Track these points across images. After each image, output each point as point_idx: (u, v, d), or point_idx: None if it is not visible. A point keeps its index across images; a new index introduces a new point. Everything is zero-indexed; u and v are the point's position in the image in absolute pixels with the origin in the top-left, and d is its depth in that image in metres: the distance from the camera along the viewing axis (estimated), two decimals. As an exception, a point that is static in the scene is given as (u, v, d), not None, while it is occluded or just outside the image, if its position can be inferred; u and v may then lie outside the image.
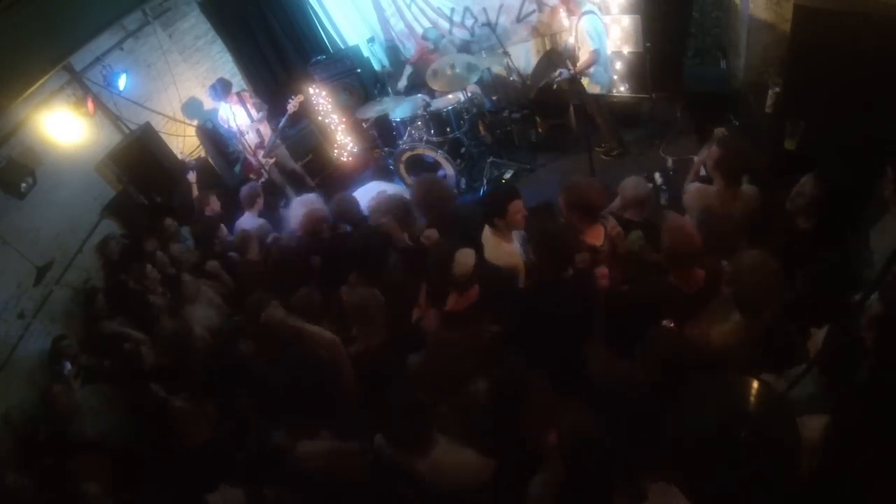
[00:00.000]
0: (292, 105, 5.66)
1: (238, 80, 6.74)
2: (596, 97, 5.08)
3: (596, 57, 4.90)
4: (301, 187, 6.23)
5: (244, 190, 4.71)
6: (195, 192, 5.04)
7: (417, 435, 2.21)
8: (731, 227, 2.82)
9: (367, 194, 4.16)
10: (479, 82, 5.96)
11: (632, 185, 3.20)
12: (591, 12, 4.86)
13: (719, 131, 3.37)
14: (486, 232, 3.07)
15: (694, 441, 1.56)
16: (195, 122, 6.10)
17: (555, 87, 5.15)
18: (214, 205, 4.91)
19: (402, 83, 6.31)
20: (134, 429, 3.39)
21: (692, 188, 3.14)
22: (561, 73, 4.95)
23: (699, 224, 2.78)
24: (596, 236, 2.95)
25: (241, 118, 5.67)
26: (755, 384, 1.62)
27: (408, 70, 6.35)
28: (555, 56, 6.12)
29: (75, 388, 3.61)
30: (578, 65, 4.91)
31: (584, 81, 4.99)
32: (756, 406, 1.58)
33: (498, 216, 2.95)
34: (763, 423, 1.51)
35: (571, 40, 5.20)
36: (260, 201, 4.69)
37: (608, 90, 5.31)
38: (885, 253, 2.35)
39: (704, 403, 1.66)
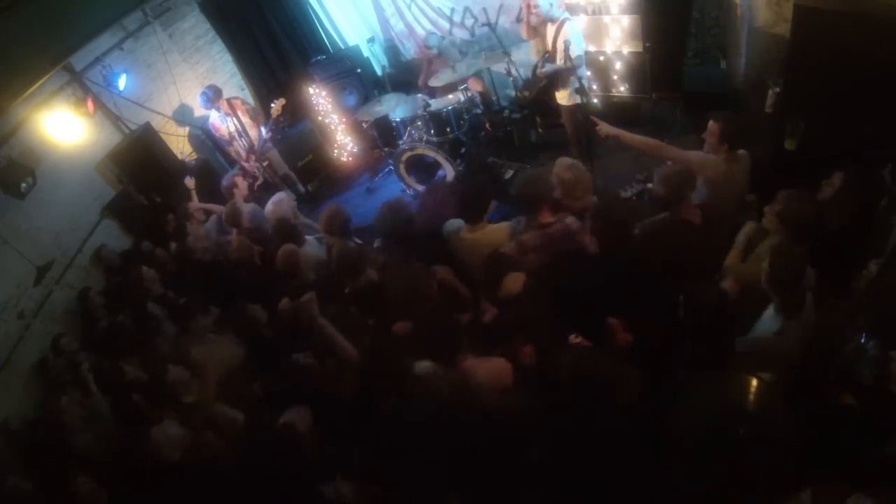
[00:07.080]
0: (274, 108, 5.53)
1: (238, 80, 6.75)
2: (574, 108, 4.87)
3: (578, 63, 4.66)
4: (294, 192, 6.19)
5: (222, 183, 4.96)
6: (194, 197, 5.02)
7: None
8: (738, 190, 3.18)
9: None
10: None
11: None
12: (569, 20, 4.68)
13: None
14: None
15: (692, 438, 1.56)
16: (191, 125, 6.09)
17: (539, 73, 4.92)
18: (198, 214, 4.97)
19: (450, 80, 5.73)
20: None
21: (696, 156, 3.18)
22: (546, 66, 4.82)
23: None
24: None
25: (232, 125, 5.64)
26: (753, 381, 1.62)
27: (453, 73, 5.91)
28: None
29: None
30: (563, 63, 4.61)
31: (563, 94, 4.87)
32: (754, 403, 1.59)
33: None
34: (761, 420, 1.51)
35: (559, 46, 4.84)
36: (238, 191, 4.83)
37: (585, 98, 4.88)
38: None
39: (702, 401, 1.66)
